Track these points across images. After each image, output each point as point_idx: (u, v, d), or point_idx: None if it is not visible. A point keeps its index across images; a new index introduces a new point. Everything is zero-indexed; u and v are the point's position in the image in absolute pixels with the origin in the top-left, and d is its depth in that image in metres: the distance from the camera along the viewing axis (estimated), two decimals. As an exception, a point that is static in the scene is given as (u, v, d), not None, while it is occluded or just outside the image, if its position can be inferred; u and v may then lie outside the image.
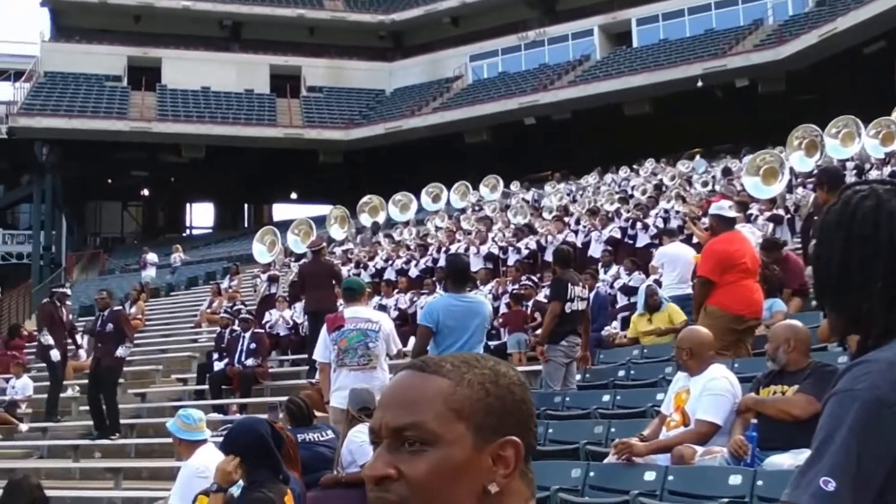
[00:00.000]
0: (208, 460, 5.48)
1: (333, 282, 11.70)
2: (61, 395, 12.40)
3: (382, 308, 12.64)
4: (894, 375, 1.56)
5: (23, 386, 13.16)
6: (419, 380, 1.19)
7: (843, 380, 1.63)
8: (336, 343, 7.18)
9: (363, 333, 7.20)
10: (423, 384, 1.17)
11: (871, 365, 1.60)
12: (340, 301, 8.56)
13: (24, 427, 12.33)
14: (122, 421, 11.43)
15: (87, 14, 41.08)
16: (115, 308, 12.12)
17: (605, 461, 5.60)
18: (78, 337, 13.79)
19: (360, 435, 6.37)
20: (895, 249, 1.69)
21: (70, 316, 12.67)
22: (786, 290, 9.24)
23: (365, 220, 24.31)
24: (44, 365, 13.22)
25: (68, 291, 14.18)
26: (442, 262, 14.03)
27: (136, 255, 29.24)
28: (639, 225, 14.46)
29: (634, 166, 25.23)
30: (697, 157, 24.93)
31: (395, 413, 1.15)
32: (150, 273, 23.35)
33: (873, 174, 13.95)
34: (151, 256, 24.85)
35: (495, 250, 15.97)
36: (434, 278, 14.08)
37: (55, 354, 12.00)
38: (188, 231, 45.80)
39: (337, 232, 22.75)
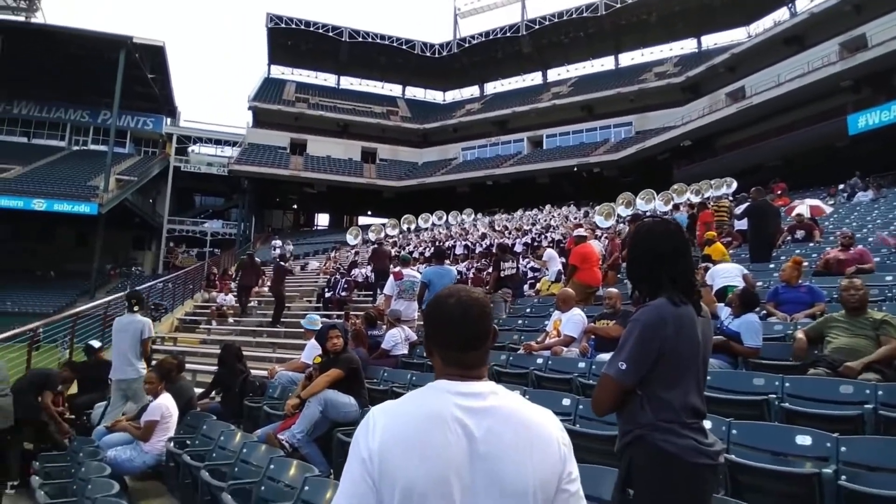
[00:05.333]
0: (321, 340, 5.60)
1: (388, 257, 11.75)
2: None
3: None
4: (655, 313, 1.68)
5: (229, 299, 13.13)
6: None
7: (636, 314, 1.74)
8: (398, 287, 7.17)
9: (411, 283, 7.19)
10: None
11: (649, 309, 1.71)
12: (392, 265, 8.43)
13: (231, 319, 12.33)
14: (281, 319, 11.46)
15: (271, 116, 40.61)
16: (281, 262, 12.28)
17: (518, 353, 5.69)
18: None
19: (396, 334, 6.39)
20: (652, 257, 1.78)
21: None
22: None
23: (405, 225, 24.51)
24: (235, 287, 13.30)
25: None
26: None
27: (294, 238, 29.42)
28: (543, 238, 14.53)
29: (540, 207, 25.27)
30: (572, 205, 24.90)
31: None
32: (275, 252, 22.59)
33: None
34: (277, 242, 24.64)
35: (470, 245, 16.00)
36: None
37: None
38: (316, 227, 45.05)
39: (392, 231, 23.07)
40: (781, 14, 32.99)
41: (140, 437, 4.39)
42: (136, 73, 33.73)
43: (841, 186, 17.71)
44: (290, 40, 43.61)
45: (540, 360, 5.11)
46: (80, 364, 6.88)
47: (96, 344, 6.89)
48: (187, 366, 7.55)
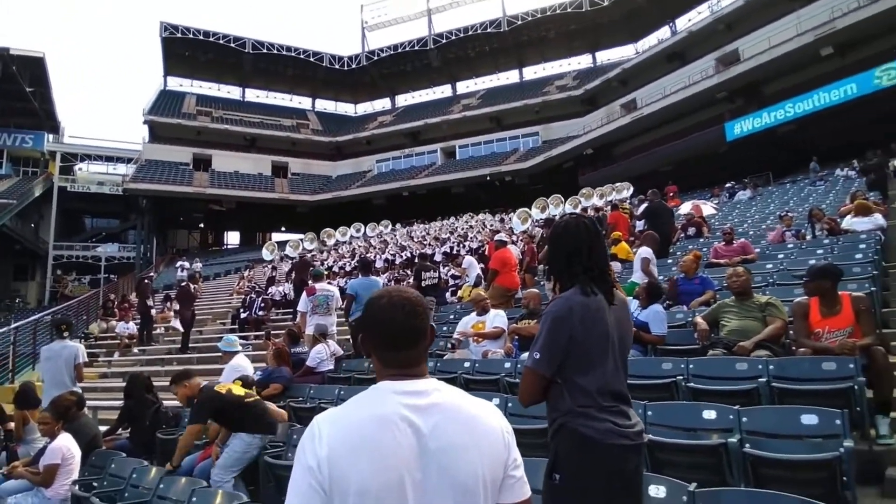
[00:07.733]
0: (239, 362, 5.31)
1: (307, 272, 11.41)
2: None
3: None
4: (563, 304, 1.77)
5: (131, 327, 12.11)
6: None
7: (548, 307, 1.83)
8: (311, 302, 7.01)
9: (325, 297, 7.05)
10: None
11: (559, 300, 1.80)
12: (310, 280, 8.25)
13: (135, 349, 11.35)
14: (190, 345, 10.80)
15: (170, 130, 38.20)
16: (190, 284, 11.56)
17: (445, 358, 5.69)
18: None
19: (321, 350, 6.26)
20: (568, 251, 1.87)
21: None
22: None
23: (324, 240, 23.91)
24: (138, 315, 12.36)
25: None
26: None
27: (203, 258, 27.65)
28: (462, 246, 14.66)
29: (456, 217, 25.53)
30: (487, 212, 25.42)
31: None
32: (182, 274, 20.97)
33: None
34: (185, 263, 23.11)
35: (390, 257, 15.85)
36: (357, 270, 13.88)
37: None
38: (225, 246, 42.66)
39: (309, 246, 22.32)
40: (664, 33, 36.10)
41: (41, 483, 3.95)
42: (13, 87, 30.73)
43: (728, 185, 19.52)
44: (187, 51, 41.53)
45: (467, 364, 5.18)
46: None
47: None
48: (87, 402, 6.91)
